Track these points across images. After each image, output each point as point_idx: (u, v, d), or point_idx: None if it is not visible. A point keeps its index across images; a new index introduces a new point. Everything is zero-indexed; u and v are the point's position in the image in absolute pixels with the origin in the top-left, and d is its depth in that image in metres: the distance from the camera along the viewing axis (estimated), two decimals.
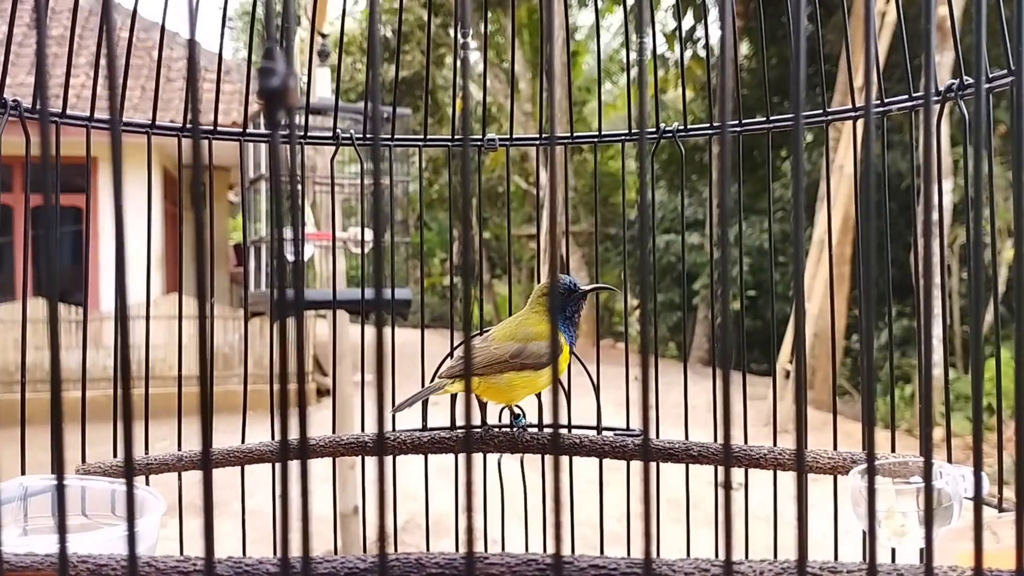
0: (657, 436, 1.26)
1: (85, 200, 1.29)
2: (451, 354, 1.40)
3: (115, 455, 1.26)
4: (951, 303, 9.24)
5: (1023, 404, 0.42)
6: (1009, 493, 1.04)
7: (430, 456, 1.35)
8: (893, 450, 1.18)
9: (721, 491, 1.14)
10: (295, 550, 0.43)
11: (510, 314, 1.43)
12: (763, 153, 1.31)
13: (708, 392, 1.33)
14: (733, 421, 0.45)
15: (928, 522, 0.41)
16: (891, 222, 1.23)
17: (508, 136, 1.48)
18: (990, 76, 1.03)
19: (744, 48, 11.41)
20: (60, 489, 0.39)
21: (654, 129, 1.38)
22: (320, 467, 1.34)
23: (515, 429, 1.30)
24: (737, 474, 1.32)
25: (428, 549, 1.20)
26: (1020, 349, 0.44)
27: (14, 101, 1.14)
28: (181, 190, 1.47)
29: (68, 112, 1.24)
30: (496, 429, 1.33)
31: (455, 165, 1.59)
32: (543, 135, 1.53)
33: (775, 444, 1.22)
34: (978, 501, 0.43)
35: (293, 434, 0.42)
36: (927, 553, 0.42)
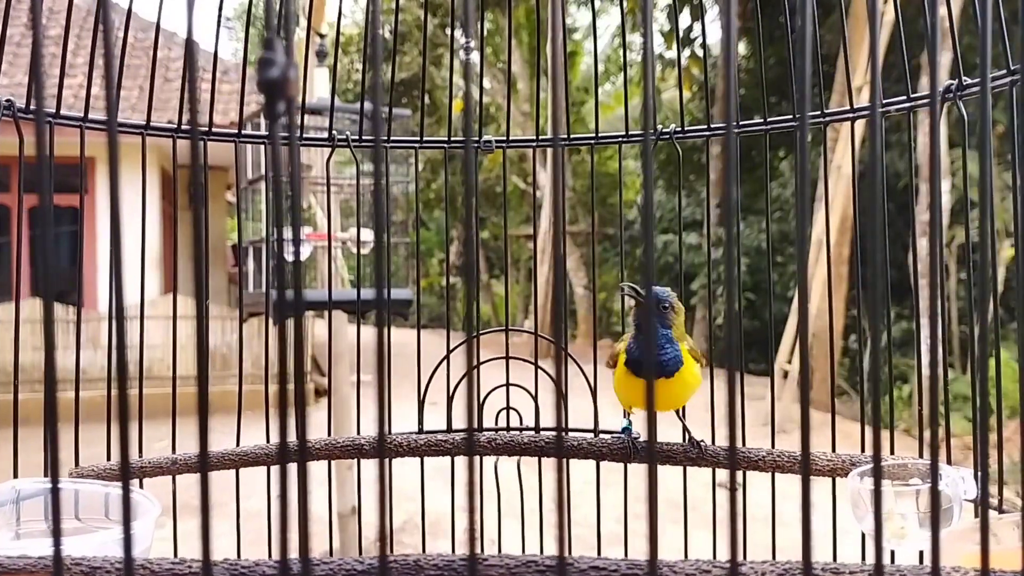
0: (655, 437, 1.26)
1: (79, 200, 1.28)
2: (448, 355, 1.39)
3: (109, 456, 1.26)
4: (948, 304, 9.25)
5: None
6: (1009, 494, 1.04)
7: (427, 457, 1.35)
8: (892, 451, 1.18)
9: (721, 491, 1.14)
10: (293, 551, 0.43)
11: (507, 314, 1.42)
12: (761, 153, 1.31)
13: (705, 392, 1.33)
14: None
15: (935, 523, 0.41)
16: (889, 222, 1.23)
17: (505, 137, 1.48)
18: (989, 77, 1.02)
19: (742, 48, 11.42)
20: (55, 493, 0.38)
21: (652, 131, 1.38)
22: (317, 468, 1.33)
23: (623, 437, 1.26)
24: (736, 475, 1.32)
25: (425, 550, 1.20)
26: (1022, 349, 0.44)
27: (7, 101, 1.14)
28: (176, 190, 1.46)
29: (62, 112, 1.23)
30: (494, 432, 1.33)
31: (452, 166, 1.58)
32: (540, 136, 1.52)
33: (773, 445, 1.22)
34: (984, 504, 0.42)
35: (292, 435, 0.42)
36: (933, 554, 0.41)
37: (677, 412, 1.26)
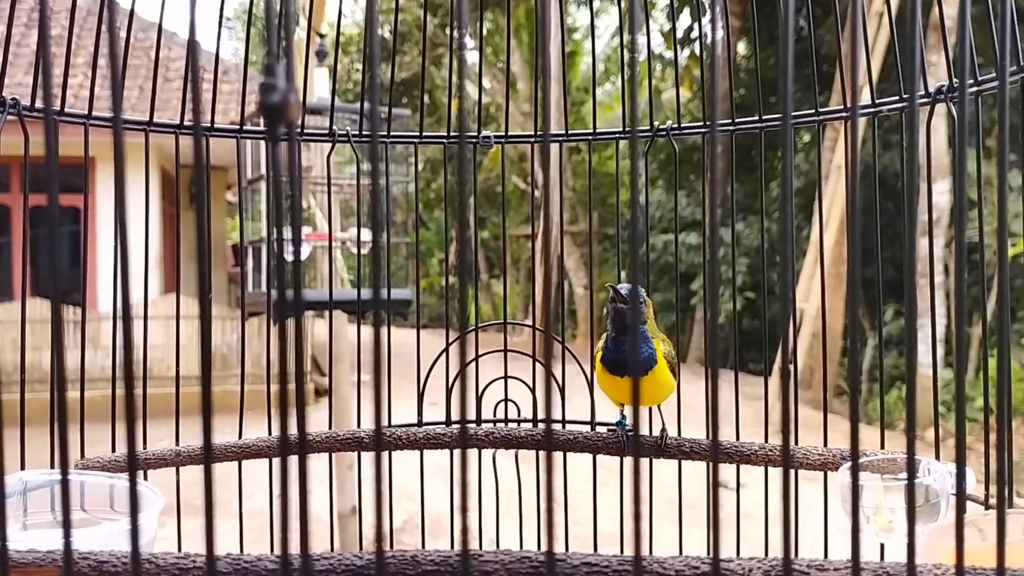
0: (650, 434, 1.27)
1: (83, 200, 1.30)
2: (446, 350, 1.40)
3: (114, 453, 1.27)
4: (948, 303, 9.25)
5: (1005, 401, 0.43)
6: (996, 490, 1.05)
7: (426, 456, 1.36)
8: (882, 447, 1.19)
9: (709, 487, 1.15)
10: (294, 547, 0.44)
11: (505, 312, 1.44)
12: (761, 153, 1.32)
13: (703, 392, 1.34)
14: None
15: (911, 519, 0.42)
16: (888, 222, 1.24)
17: (503, 134, 1.49)
18: (979, 79, 1.03)
19: (741, 48, 11.41)
20: (65, 486, 0.40)
21: (647, 128, 1.39)
22: (318, 468, 1.34)
23: (618, 431, 1.28)
24: (731, 475, 1.33)
25: (424, 548, 1.21)
26: (1002, 347, 0.45)
27: (12, 99, 1.15)
28: (178, 190, 1.47)
29: (66, 110, 1.24)
30: (491, 425, 1.34)
31: (452, 165, 1.59)
32: (538, 133, 1.53)
33: (766, 440, 1.23)
34: (961, 497, 0.43)
35: (292, 432, 0.43)
36: (910, 550, 0.43)
37: (658, 408, 1.28)
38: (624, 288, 1.18)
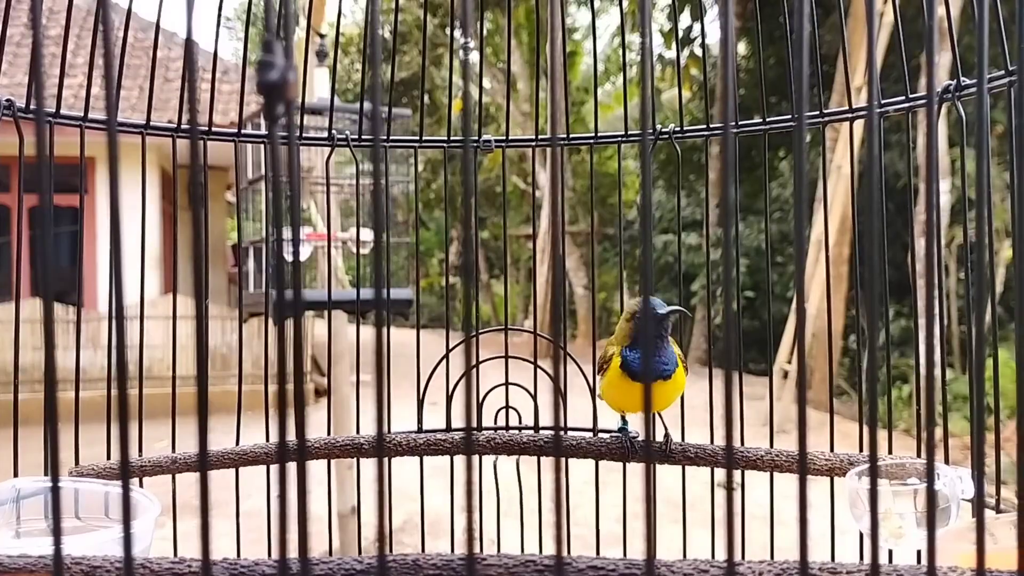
0: (653, 437, 1.26)
1: (79, 200, 1.28)
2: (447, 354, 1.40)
3: (109, 456, 1.26)
4: (948, 303, 9.25)
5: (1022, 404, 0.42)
6: (1007, 493, 1.04)
7: (426, 456, 1.35)
8: (891, 451, 1.18)
9: (720, 491, 1.14)
10: (292, 551, 0.43)
11: (507, 314, 1.42)
12: (761, 153, 1.31)
13: (705, 392, 1.33)
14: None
15: (930, 523, 0.41)
16: (888, 222, 1.23)
17: (504, 137, 1.48)
18: (988, 77, 1.03)
19: (741, 48, 11.42)
20: (55, 492, 0.39)
21: (651, 131, 1.38)
22: (317, 468, 1.33)
23: (621, 437, 1.27)
24: (734, 474, 1.32)
25: (424, 549, 1.20)
26: (1020, 350, 0.44)
27: (7, 101, 1.14)
28: (176, 190, 1.45)
29: (62, 112, 1.23)
30: (492, 431, 1.33)
31: (452, 166, 1.58)
32: (539, 136, 1.52)
33: (772, 445, 1.22)
34: (980, 503, 0.42)
35: (291, 435, 0.42)
36: (929, 553, 0.42)
37: (659, 413, 1.27)
38: (637, 303, 1.20)
